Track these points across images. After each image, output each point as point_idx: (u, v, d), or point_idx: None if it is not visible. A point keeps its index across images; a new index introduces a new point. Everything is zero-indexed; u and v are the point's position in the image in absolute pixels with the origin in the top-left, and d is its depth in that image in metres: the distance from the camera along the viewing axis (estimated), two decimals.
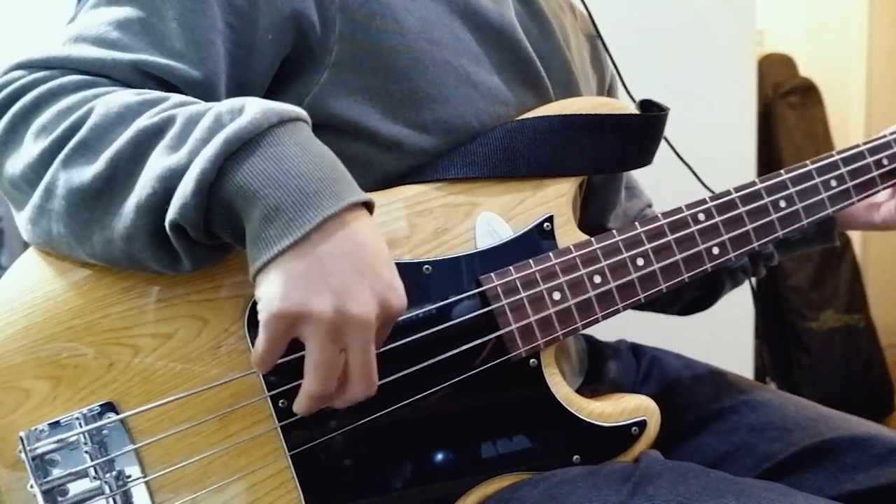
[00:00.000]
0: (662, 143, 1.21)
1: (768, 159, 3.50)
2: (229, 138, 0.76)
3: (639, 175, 1.48)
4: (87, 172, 0.81)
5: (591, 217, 1.33)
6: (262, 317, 0.76)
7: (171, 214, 0.77)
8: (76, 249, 0.85)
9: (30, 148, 0.84)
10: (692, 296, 1.41)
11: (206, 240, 0.81)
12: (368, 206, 0.82)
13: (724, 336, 1.46)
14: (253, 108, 0.78)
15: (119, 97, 0.84)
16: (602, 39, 1.34)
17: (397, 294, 0.79)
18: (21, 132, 0.86)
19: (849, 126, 4.09)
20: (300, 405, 0.81)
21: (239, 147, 0.76)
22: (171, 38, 0.90)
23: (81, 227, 0.83)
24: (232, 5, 0.92)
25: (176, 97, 0.85)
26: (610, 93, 1.40)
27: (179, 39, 0.90)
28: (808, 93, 3.78)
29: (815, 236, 1.35)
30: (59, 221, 0.84)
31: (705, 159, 1.44)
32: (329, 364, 0.77)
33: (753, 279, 1.39)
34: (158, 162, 0.78)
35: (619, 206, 1.39)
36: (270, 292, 0.75)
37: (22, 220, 0.89)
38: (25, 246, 0.92)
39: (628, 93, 1.37)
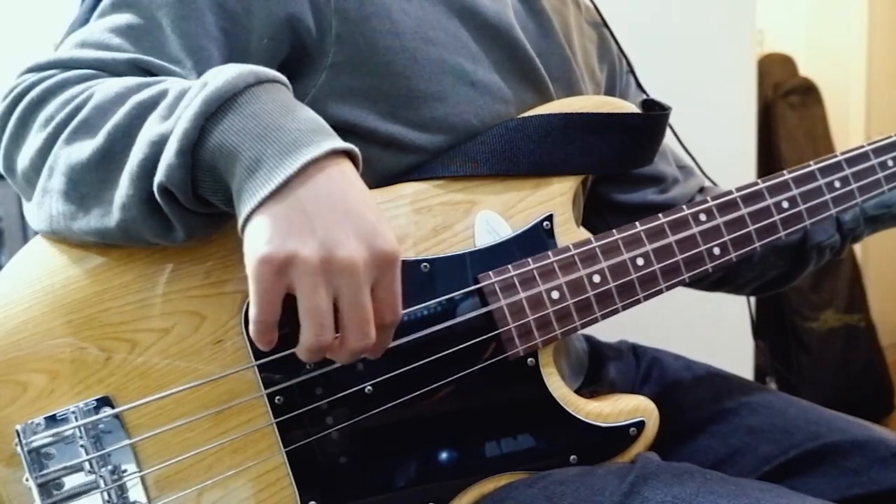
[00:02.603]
0: (670, 135, 1.21)
1: (768, 159, 3.50)
2: (207, 99, 0.77)
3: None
4: (85, 148, 0.83)
5: (638, 195, 1.35)
6: (248, 267, 0.75)
7: (157, 177, 0.78)
8: (74, 227, 0.86)
9: (36, 136, 0.87)
10: (776, 272, 1.38)
11: (196, 206, 0.81)
12: (352, 158, 0.81)
13: (723, 336, 1.46)
14: (230, 70, 0.80)
15: (119, 81, 0.87)
16: (608, 26, 1.34)
17: (384, 236, 0.78)
18: (30, 125, 0.88)
19: (849, 126, 4.09)
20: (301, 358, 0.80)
21: (218, 107, 0.77)
22: (167, 44, 0.92)
23: (79, 202, 0.84)
24: (226, 11, 0.93)
25: (173, 78, 0.88)
26: (624, 82, 1.39)
27: (175, 46, 0.91)
28: (808, 93, 3.78)
29: None
30: (59, 199, 0.85)
31: (705, 159, 1.44)
32: (319, 310, 0.76)
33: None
34: (150, 129, 0.80)
35: (674, 188, 1.38)
36: (255, 239, 0.75)
37: (30, 207, 0.91)
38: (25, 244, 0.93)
39: (638, 84, 1.37)
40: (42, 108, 0.87)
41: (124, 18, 0.92)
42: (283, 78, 0.84)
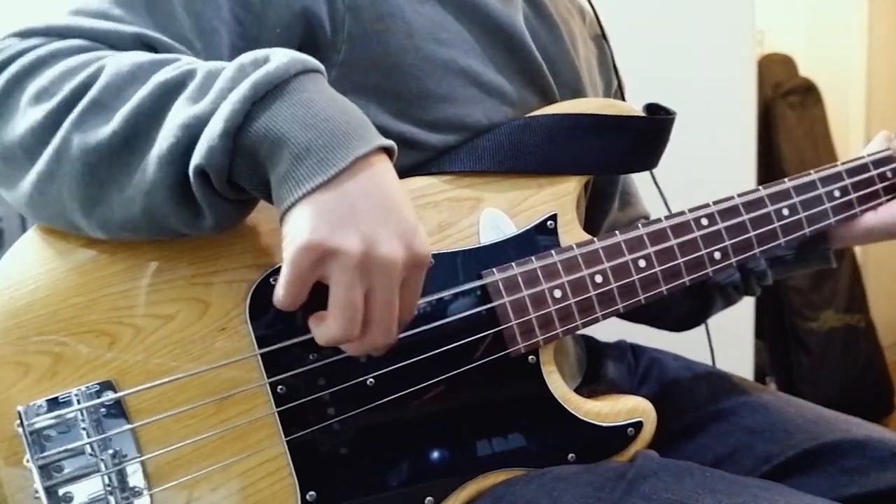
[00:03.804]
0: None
1: (768, 159, 3.51)
2: (257, 83, 0.76)
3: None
4: (104, 131, 0.79)
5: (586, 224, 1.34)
6: (287, 250, 0.74)
7: (196, 159, 0.76)
8: (89, 215, 0.83)
9: (29, 112, 0.82)
10: (681, 311, 1.41)
11: (228, 192, 0.80)
12: (390, 154, 0.81)
13: (723, 336, 1.46)
14: (279, 56, 0.78)
15: (130, 56, 0.83)
16: (608, 42, 1.35)
17: (421, 239, 0.78)
18: (16, 96, 0.83)
19: (849, 126, 4.10)
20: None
21: (266, 92, 0.76)
22: (175, 21, 0.89)
23: (98, 189, 0.81)
24: None
25: (187, 57, 0.85)
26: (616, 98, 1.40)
27: (184, 24, 0.89)
28: (808, 93, 3.79)
29: (811, 256, 1.32)
30: (74, 185, 0.82)
31: (705, 159, 1.45)
32: (353, 306, 0.76)
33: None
34: (181, 112, 0.77)
35: (610, 213, 1.39)
36: (300, 225, 0.74)
37: (20, 194, 0.86)
38: None
39: (622, 97, 1.38)
40: (32, 79, 0.83)
41: None
42: (323, 67, 0.82)
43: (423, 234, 0.79)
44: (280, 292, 0.76)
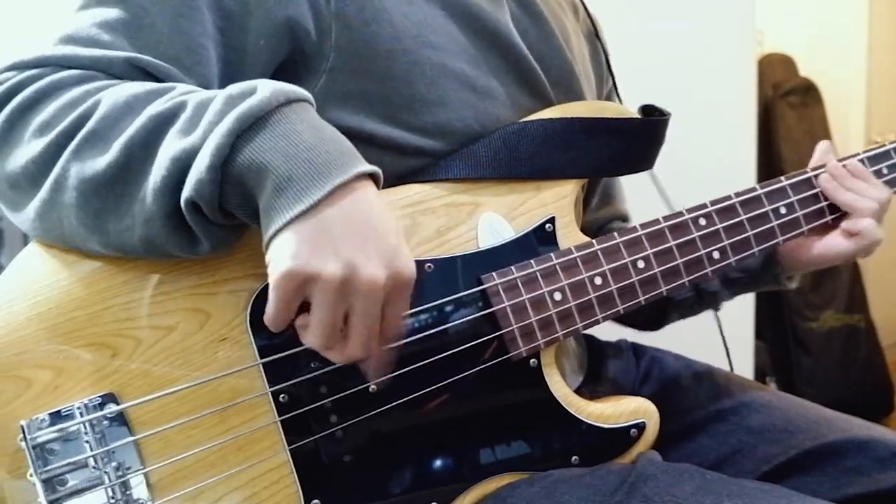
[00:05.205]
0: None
1: (768, 159, 3.50)
2: (241, 116, 0.77)
3: (627, 181, 1.47)
4: (100, 162, 0.81)
5: None
6: (272, 277, 0.77)
7: (186, 192, 0.78)
8: (89, 240, 0.85)
9: (32, 143, 0.84)
10: (643, 318, 1.43)
11: (221, 219, 0.81)
12: (375, 179, 0.83)
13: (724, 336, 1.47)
14: (264, 89, 0.80)
15: (125, 88, 0.84)
16: (601, 41, 1.35)
17: (404, 261, 0.80)
18: (20, 129, 0.85)
19: (849, 126, 4.10)
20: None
21: (250, 125, 0.78)
22: (162, 42, 0.90)
23: (94, 217, 0.83)
24: (223, 10, 0.92)
25: (182, 86, 0.86)
26: (609, 96, 1.40)
27: (171, 44, 0.90)
28: (808, 93, 3.79)
29: (763, 278, 1.32)
30: (70, 213, 0.83)
31: (705, 159, 1.44)
32: (332, 324, 0.79)
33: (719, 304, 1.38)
34: (172, 145, 0.79)
35: (587, 212, 1.39)
36: (281, 253, 0.77)
37: (24, 218, 0.88)
38: (26, 245, 0.92)
39: (618, 97, 1.37)
40: (36, 112, 0.84)
41: (113, 13, 0.89)
42: (309, 96, 0.84)
43: (405, 254, 0.81)
44: (269, 313, 0.80)
